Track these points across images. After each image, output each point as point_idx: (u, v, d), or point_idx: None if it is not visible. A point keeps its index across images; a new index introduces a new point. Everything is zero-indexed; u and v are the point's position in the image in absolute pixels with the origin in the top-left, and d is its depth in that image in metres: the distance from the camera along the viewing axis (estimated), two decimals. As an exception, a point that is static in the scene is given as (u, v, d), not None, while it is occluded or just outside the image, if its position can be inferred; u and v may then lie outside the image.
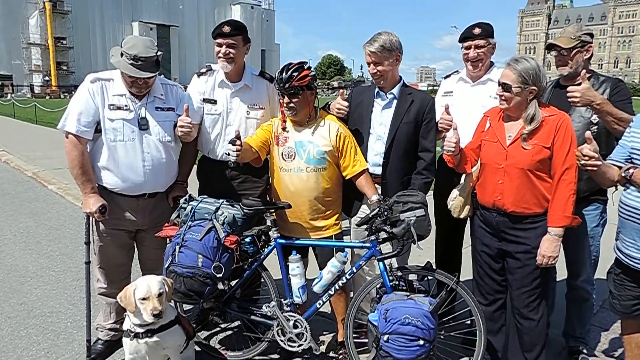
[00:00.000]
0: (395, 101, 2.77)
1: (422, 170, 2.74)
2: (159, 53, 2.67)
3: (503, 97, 2.36)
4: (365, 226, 2.52)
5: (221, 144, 2.93)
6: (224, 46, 2.78)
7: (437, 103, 2.92)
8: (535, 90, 2.33)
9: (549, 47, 2.67)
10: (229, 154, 2.49)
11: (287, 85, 2.56)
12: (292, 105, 2.60)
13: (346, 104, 2.80)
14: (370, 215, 2.47)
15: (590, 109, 2.50)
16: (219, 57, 2.83)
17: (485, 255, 2.59)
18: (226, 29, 2.76)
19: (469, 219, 2.73)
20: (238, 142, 2.48)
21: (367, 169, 2.73)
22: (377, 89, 2.81)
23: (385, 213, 2.41)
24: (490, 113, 2.56)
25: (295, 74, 2.56)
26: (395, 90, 2.77)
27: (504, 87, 2.34)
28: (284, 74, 2.57)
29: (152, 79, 2.65)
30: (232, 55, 2.80)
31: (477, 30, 2.79)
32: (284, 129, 2.73)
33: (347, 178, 2.75)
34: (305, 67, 2.61)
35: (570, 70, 2.61)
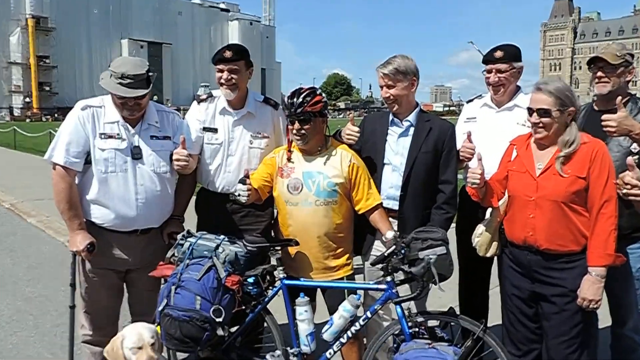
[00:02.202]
0: (412, 129, 2.81)
1: (442, 204, 2.76)
2: (151, 74, 2.73)
3: (541, 124, 2.37)
4: (380, 265, 2.52)
5: (222, 175, 2.97)
6: (226, 72, 2.86)
7: (459, 130, 2.96)
8: (574, 111, 2.37)
9: (591, 62, 2.71)
10: (238, 195, 2.54)
11: (298, 111, 2.61)
12: (303, 132, 2.65)
13: (357, 129, 2.85)
14: (385, 254, 2.46)
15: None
16: (221, 84, 2.90)
17: (516, 298, 2.56)
18: (227, 54, 2.84)
19: (496, 257, 2.72)
20: (248, 181, 2.54)
21: (382, 204, 2.75)
22: (391, 116, 2.86)
23: (403, 251, 2.41)
24: (516, 141, 2.59)
25: (307, 98, 2.62)
26: (412, 117, 2.82)
27: (542, 113, 2.36)
28: (295, 98, 2.63)
29: (144, 100, 2.71)
30: (235, 81, 2.88)
31: (498, 54, 2.85)
32: (289, 159, 2.77)
33: (359, 213, 2.77)
34: (317, 93, 2.68)
35: (611, 88, 2.63)
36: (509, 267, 2.59)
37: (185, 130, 2.93)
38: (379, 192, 2.78)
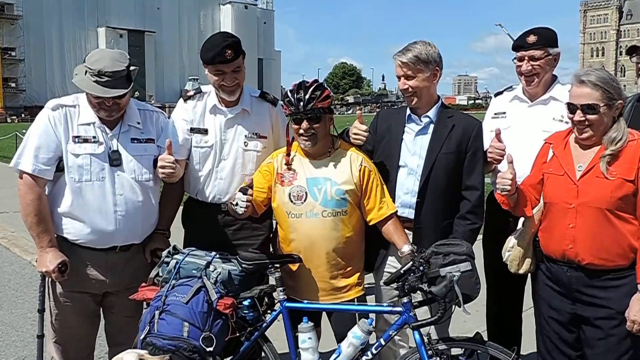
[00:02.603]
0: (432, 126, 2.82)
1: (466, 213, 2.76)
2: (133, 68, 2.75)
3: (587, 123, 2.37)
4: (395, 284, 2.52)
5: (213, 182, 2.98)
6: (229, 74, 2.85)
7: (486, 127, 2.97)
8: (622, 105, 2.37)
9: (631, 51, 2.71)
10: (236, 204, 2.56)
11: (308, 107, 2.62)
12: (312, 132, 2.65)
13: (365, 127, 2.85)
14: (401, 271, 2.47)
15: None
16: (221, 87, 2.89)
17: (554, 322, 2.55)
18: (229, 53, 2.80)
19: (530, 274, 2.71)
20: (250, 191, 2.56)
21: (396, 213, 2.76)
22: (408, 112, 2.86)
23: (421, 268, 2.41)
24: (552, 139, 2.59)
25: (317, 92, 2.64)
26: (432, 113, 2.82)
27: (587, 109, 2.35)
28: (302, 93, 2.63)
29: (123, 100, 2.73)
30: (239, 81, 2.90)
31: (531, 38, 2.86)
32: (289, 164, 2.77)
33: (371, 223, 2.77)
34: (325, 86, 2.71)
35: None
36: (545, 286, 2.58)
37: (172, 131, 2.95)
38: (392, 198, 2.79)
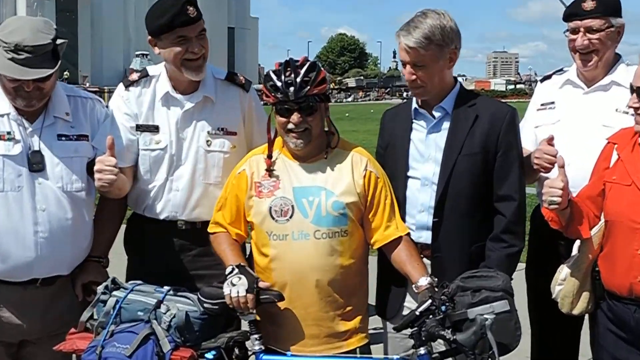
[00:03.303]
0: (447, 120, 2.82)
1: (501, 233, 2.76)
2: (61, 41, 2.76)
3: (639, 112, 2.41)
4: (409, 330, 2.51)
5: (166, 195, 2.98)
6: (195, 41, 2.84)
7: (529, 122, 3.00)
8: None
9: None
10: (236, 290, 2.50)
11: (301, 94, 2.60)
12: (306, 126, 2.64)
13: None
14: (417, 312, 2.46)
15: None
16: (187, 63, 2.86)
17: (619, 378, 2.56)
18: (192, 10, 2.81)
19: (588, 315, 2.73)
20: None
21: (409, 235, 2.76)
22: (415, 104, 2.87)
23: (443, 308, 2.41)
24: (617, 138, 2.61)
25: (311, 75, 2.62)
26: (447, 103, 2.82)
27: None
28: (292, 75, 2.61)
29: (48, 83, 2.73)
30: (205, 50, 2.90)
31: (588, 4, 2.88)
32: (269, 170, 2.76)
33: (375, 247, 2.79)
34: (320, 66, 2.69)
35: None
36: (607, 331, 2.59)
37: (111, 125, 2.95)
38: (402, 218, 2.79)
